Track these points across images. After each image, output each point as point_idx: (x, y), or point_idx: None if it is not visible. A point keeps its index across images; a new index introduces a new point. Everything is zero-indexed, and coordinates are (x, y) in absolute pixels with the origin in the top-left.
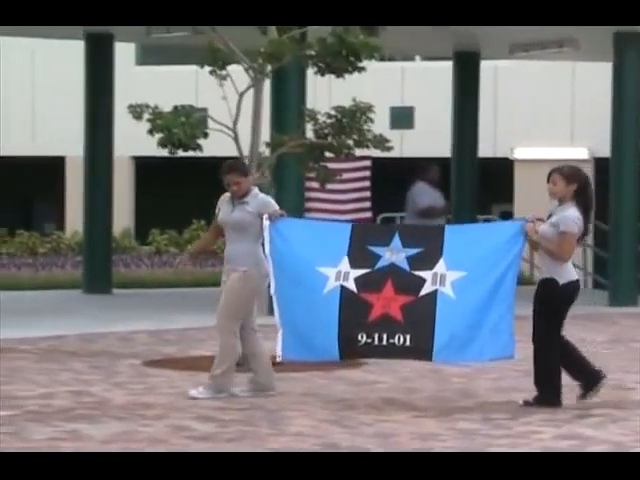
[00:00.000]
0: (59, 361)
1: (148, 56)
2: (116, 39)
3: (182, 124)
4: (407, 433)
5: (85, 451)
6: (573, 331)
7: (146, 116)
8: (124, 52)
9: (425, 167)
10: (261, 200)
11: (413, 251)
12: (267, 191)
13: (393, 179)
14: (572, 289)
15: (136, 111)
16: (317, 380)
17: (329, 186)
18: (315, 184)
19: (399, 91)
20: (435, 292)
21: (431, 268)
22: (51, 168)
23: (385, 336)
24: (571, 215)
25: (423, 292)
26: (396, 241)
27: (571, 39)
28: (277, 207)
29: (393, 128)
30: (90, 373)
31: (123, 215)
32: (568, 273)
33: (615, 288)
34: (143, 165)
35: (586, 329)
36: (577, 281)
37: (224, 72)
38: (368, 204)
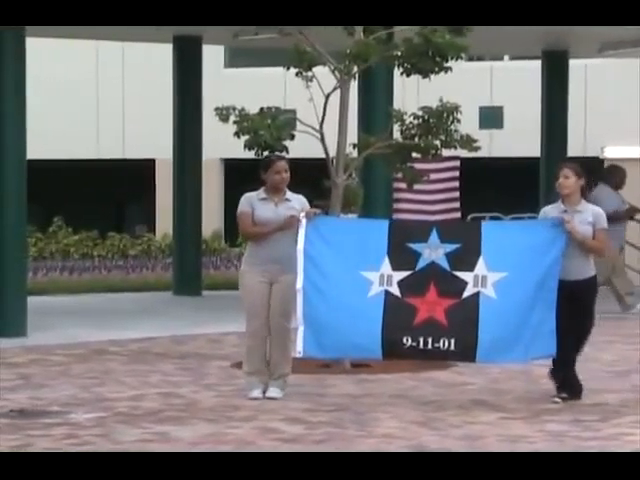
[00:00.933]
0: (149, 363)
1: (237, 59)
2: (204, 42)
3: (268, 126)
4: (495, 435)
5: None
6: None
7: (232, 118)
8: (213, 55)
9: (610, 170)
10: (300, 198)
11: (452, 247)
12: (355, 192)
13: (482, 179)
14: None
15: (222, 113)
16: (406, 381)
17: (417, 186)
18: (403, 184)
19: (488, 91)
20: (477, 294)
21: (472, 269)
22: (142, 171)
23: (430, 340)
24: (601, 212)
25: (466, 294)
26: (434, 237)
27: None
28: None
29: (482, 128)
30: (179, 375)
31: (213, 217)
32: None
33: None
34: (233, 167)
35: None
36: None
37: (310, 74)
38: (457, 204)
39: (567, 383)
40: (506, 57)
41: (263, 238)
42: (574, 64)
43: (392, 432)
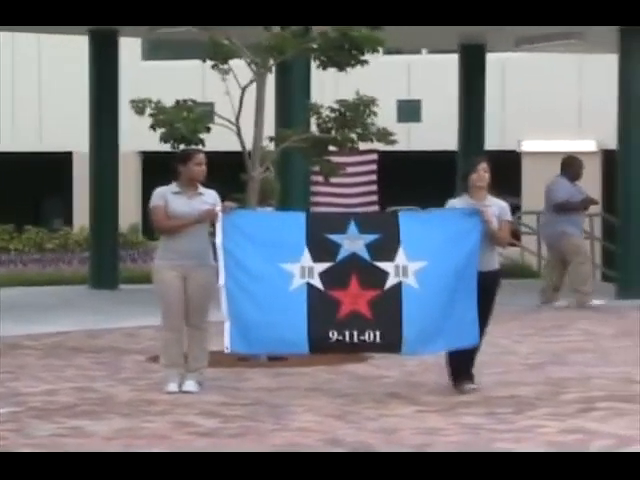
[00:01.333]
0: (64, 357)
1: (154, 51)
2: (121, 34)
3: (184, 119)
4: (411, 428)
5: (88, 448)
6: (581, 324)
7: (149, 111)
8: (131, 47)
9: (566, 162)
10: (212, 192)
11: (371, 237)
12: (272, 185)
13: (401, 172)
14: None
15: (138, 106)
16: (322, 374)
17: (335, 180)
18: (320, 178)
19: (406, 84)
20: (399, 284)
21: (392, 259)
22: (59, 164)
23: (356, 333)
24: (506, 205)
25: (388, 285)
26: (352, 228)
27: (577, 32)
28: None
29: (400, 121)
30: (95, 369)
31: (131, 210)
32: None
33: (623, 281)
34: (150, 160)
35: (594, 322)
36: None
37: (226, 66)
38: (375, 198)
39: (463, 369)
40: (424, 51)
41: (177, 232)
42: (491, 58)
43: (308, 425)
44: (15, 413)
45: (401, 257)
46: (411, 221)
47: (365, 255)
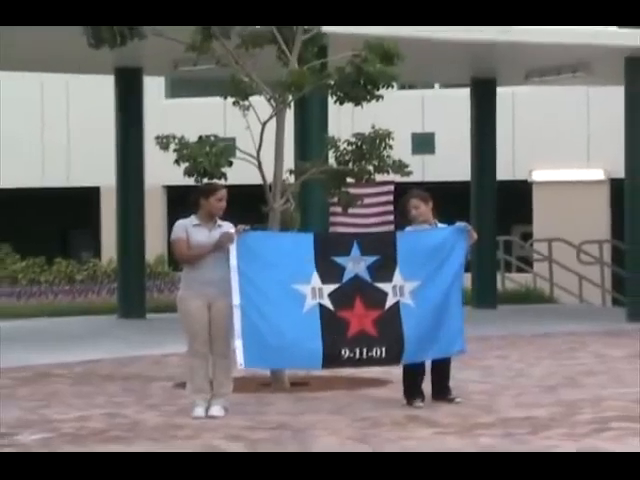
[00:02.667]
0: (94, 384)
1: (178, 89)
2: (145, 73)
3: (206, 153)
4: (430, 450)
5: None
6: (593, 347)
7: (172, 146)
8: (155, 85)
9: None
10: (229, 224)
11: (371, 259)
12: (292, 216)
13: None
14: None
15: (162, 142)
16: (343, 398)
17: (353, 210)
18: (339, 209)
19: (420, 118)
20: (397, 303)
21: (390, 280)
22: (87, 198)
23: (365, 350)
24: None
25: (387, 305)
26: (355, 250)
27: (585, 64)
28: None
29: (415, 154)
30: (124, 396)
31: (156, 242)
32: None
33: (633, 305)
34: (175, 194)
35: (605, 345)
36: None
37: (247, 103)
38: (392, 227)
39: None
40: (436, 85)
41: (199, 261)
42: (502, 91)
43: (330, 448)
44: (47, 439)
45: (398, 278)
46: (406, 240)
47: (366, 277)
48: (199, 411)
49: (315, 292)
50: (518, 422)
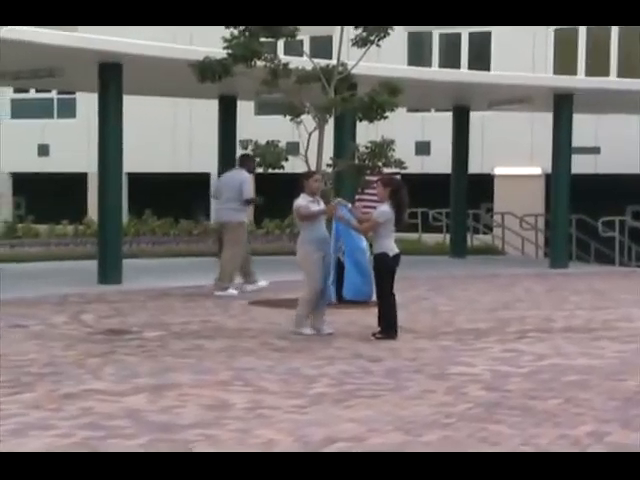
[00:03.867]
0: (195, 301)
1: (262, 109)
2: (239, 98)
3: (271, 152)
4: (408, 348)
5: (205, 360)
6: (525, 284)
7: (250, 147)
8: (247, 106)
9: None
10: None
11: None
12: (329, 193)
13: (416, 188)
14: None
15: (243, 144)
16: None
17: (368, 190)
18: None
19: (421, 131)
20: None
21: None
22: (203, 180)
23: None
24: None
25: None
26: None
27: (526, 98)
28: None
29: (416, 155)
30: (214, 309)
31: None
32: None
33: (554, 257)
34: (261, 179)
35: (533, 282)
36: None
37: (298, 119)
38: None
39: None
40: (432, 110)
41: (315, 219)
42: (475, 114)
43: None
44: (162, 336)
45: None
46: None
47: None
48: (309, 330)
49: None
50: (467, 331)
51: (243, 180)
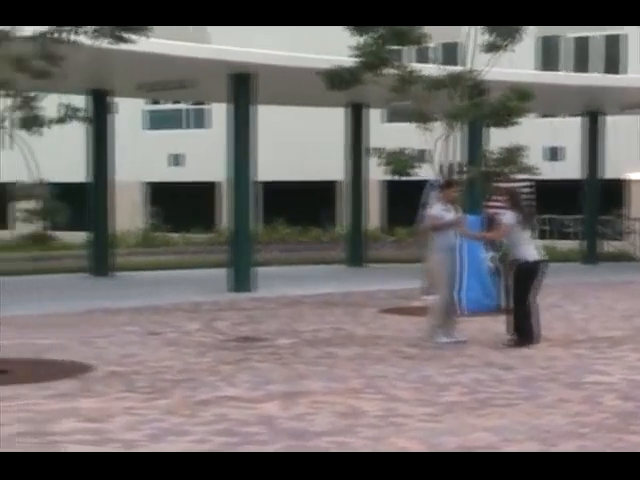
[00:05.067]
0: (325, 309)
1: (391, 116)
2: (367, 106)
3: (400, 160)
4: (541, 356)
5: (338, 368)
6: None
7: (379, 155)
8: (377, 114)
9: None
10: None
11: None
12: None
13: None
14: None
15: (374, 152)
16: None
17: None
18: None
19: (550, 136)
20: None
21: None
22: (326, 190)
23: None
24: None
25: None
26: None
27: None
28: None
29: (546, 160)
30: (344, 316)
31: (374, 219)
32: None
33: None
34: (390, 187)
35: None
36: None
37: (427, 126)
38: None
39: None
40: (561, 115)
41: (446, 229)
42: (605, 119)
43: (473, 356)
44: (294, 343)
45: None
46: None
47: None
48: (443, 338)
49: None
50: (601, 339)
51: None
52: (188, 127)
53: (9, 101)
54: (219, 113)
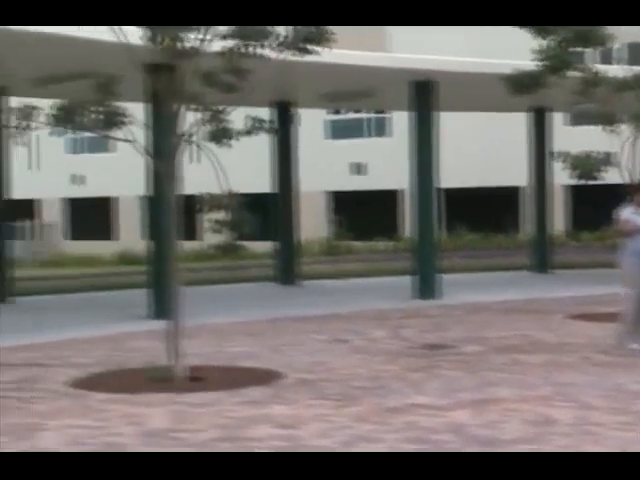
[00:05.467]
0: (510, 315)
1: (575, 119)
2: (549, 110)
3: (585, 163)
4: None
5: (526, 375)
6: None
7: (564, 159)
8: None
9: None
10: None
11: None
12: None
13: None
14: None
15: (558, 156)
16: None
17: None
18: None
19: None
20: None
21: None
22: (509, 194)
23: None
24: None
25: None
26: None
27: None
28: None
29: None
30: (531, 322)
31: (559, 222)
32: None
33: None
34: (575, 191)
35: None
36: None
37: (613, 129)
38: None
39: None
40: None
41: (637, 233)
42: None
43: None
44: (480, 351)
45: None
46: None
47: None
48: (635, 345)
49: None
50: None
51: None
52: (369, 136)
53: (199, 115)
54: (400, 121)
